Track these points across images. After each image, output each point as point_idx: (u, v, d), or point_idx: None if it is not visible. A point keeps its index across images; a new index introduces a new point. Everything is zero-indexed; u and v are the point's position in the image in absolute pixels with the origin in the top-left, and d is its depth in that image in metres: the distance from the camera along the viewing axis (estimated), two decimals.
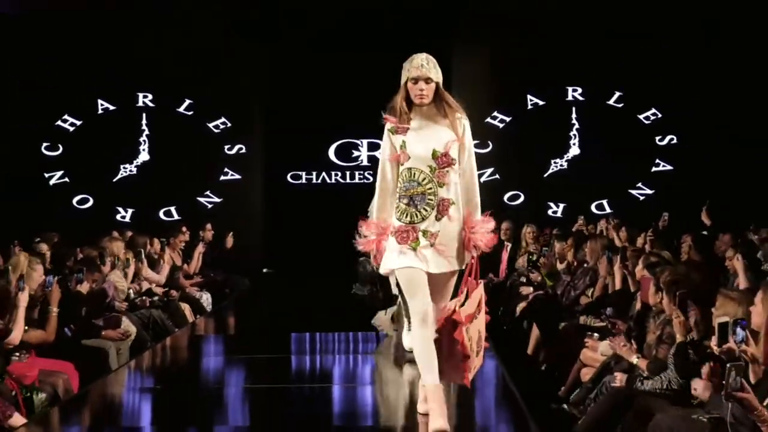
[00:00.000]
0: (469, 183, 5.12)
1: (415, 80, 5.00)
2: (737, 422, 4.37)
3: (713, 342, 4.55)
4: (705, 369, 5.06)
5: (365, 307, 8.36)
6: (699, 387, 5.13)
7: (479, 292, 5.04)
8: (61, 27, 14.04)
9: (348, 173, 14.78)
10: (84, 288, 8.26)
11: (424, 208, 4.98)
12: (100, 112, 14.84)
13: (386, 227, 5.09)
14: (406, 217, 5.00)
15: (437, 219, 4.98)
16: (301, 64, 14.00)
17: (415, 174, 5.00)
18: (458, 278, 5.22)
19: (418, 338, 5.03)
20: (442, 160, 5.00)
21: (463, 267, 5.09)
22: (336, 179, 14.88)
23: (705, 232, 9.73)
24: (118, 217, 14.59)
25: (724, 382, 4.18)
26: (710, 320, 5.13)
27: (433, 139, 5.01)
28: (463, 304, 4.89)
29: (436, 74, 5.03)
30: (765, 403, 4.08)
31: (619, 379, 5.87)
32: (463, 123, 5.08)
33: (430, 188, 4.99)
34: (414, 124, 5.04)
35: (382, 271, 5.30)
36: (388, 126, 5.08)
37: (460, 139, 5.03)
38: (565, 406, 6.62)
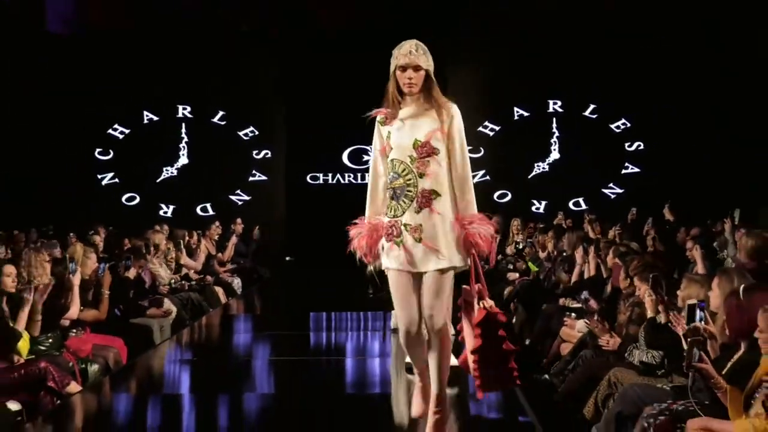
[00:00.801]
0: (461, 176, 4.24)
1: (404, 68, 4.20)
2: (697, 390, 4.35)
3: (682, 322, 4.53)
4: None
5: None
6: None
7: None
8: (110, 46, 14.04)
9: (359, 175, 14.76)
10: (131, 273, 8.27)
11: (404, 201, 4.17)
12: (145, 121, 14.86)
13: (376, 224, 4.28)
14: (391, 211, 4.23)
15: (417, 211, 4.15)
16: (318, 82, 13.98)
17: (396, 165, 4.22)
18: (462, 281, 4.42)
19: (404, 347, 4.38)
20: (422, 150, 4.18)
21: (460, 265, 4.21)
22: (349, 180, 14.89)
23: (667, 226, 9.69)
24: (160, 212, 14.60)
25: (685, 355, 4.17)
26: (675, 300, 5.11)
27: (418, 129, 4.20)
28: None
29: (426, 62, 4.23)
30: (722, 373, 4.06)
31: (611, 344, 5.84)
32: (452, 113, 4.24)
33: (410, 179, 4.17)
34: (402, 114, 4.24)
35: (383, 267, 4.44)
36: (378, 118, 4.33)
37: (444, 129, 4.22)
38: (547, 376, 6.60)
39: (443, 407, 4.26)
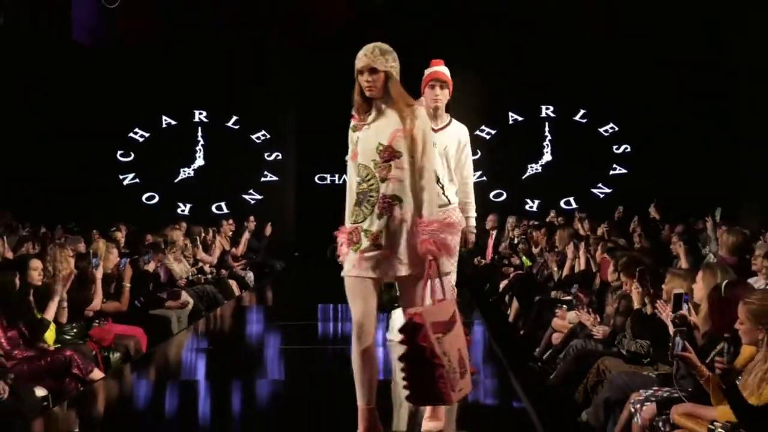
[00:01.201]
0: (421, 181, 3.85)
1: (361, 71, 3.89)
2: (681, 377, 4.33)
3: (668, 310, 4.51)
4: None
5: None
6: None
7: (451, 306, 3.79)
8: (132, 56, 14.05)
9: None
10: (150, 267, 8.27)
11: (366, 206, 3.85)
12: (164, 126, 14.86)
13: (349, 230, 3.92)
14: (353, 217, 3.91)
15: (378, 217, 3.81)
16: (326, 89, 13.96)
17: (361, 170, 3.92)
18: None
19: (353, 353, 4.01)
20: (383, 154, 3.85)
21: (420, 272, 3.83)
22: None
23: (653, 224, 9.66)
24: (178, 210, 14.59)
25: (671, 344, 4.15)
26: (660, 293, 5.10)
27: (381, 133, 3.88)
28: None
29: (384, 63, 3.86)
30: (705, 362, 4.04)
31: (602, 333, 5.82)
32: (414, 114, 3.88)
33: (372, 184, 3.85)
34: (370, 118, 3.95)
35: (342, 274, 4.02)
36: (351, 124, 4.05)
37: (407, 131, 3.85)
38: (539, 364, 6.59)
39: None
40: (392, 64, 3.91)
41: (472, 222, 5.48)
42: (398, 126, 3.86)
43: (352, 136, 4.04)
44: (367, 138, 3.93)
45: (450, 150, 5.33)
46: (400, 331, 3.56)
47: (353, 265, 3.87)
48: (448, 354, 3.54)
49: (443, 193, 5.21)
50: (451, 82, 5.37)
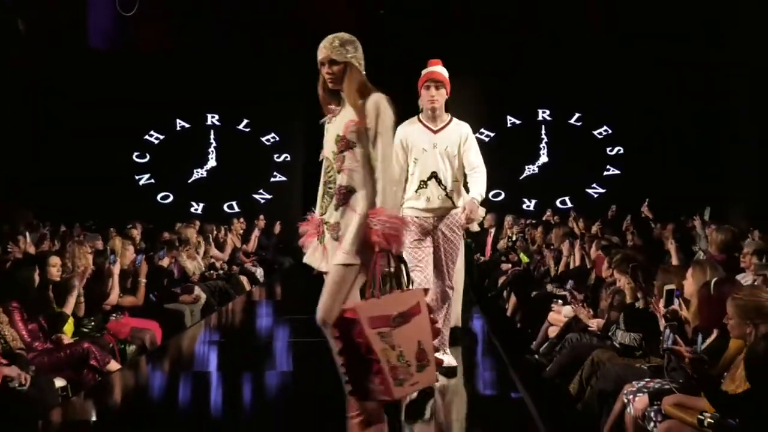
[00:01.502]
0: (374, 172, 3.58)
1: (321, 63, 3.70)
2: (672, 369, 4.33)
3: (660, 304, 4.51)
4: None
5: None
6: None
7: (412, 297, 3.50)
8: (147, 61, 14.05)
9: None
10: (165, 263, 8.27)
11: (326, 198, 3.69)
12: (178, 128, 14.87)
13: (316, 222, 3.75)
14: (320, 209, 3.75)
15: (335, 209, 3.62)
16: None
17: (324, 163, 3.77)
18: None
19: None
20: (339, 145, 3.67)
21: (356, 263, 3.52)
22: None
23: (647, 222, 9.62)
24: (191, 209, 14.60)
25: (662, 338, 4.15)
26: (652, 289, 5.09)
27: (339, 125, 3.70)
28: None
29: (341, 54, 3.65)
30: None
31: (596, 324, 5.81)
32: (368, 103, 3.61)
33: (331, 176, 3.68)
34: (336, 111, 3.78)
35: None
36: (325, 119, 3.87)
37: (359, 122, 3.62)
38: (536, 356, 6.58)
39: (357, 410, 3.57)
40: (353, 54, 3.69)
41: (477, 197, 5.00)
42: (353, 116, 3.65)
43: (324, 129, 3.87)
44: (329, 130, 3.79)
45: (451, 150, 5.14)
46: (334, 326, 3.40)
47: (314, 258, 3.70)
48: (399, 347, 3.33)
49: (446, 195, 5.09)
50: (447, 82, 5.17)
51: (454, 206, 5.13)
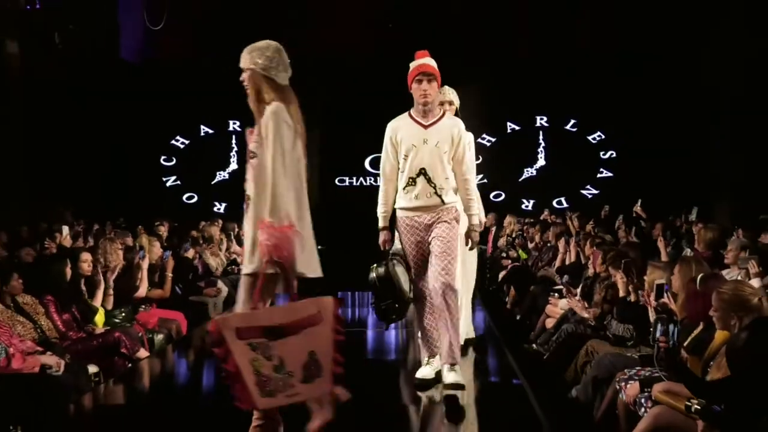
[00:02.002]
0: (262, 179, 3.36)
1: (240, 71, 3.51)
2: (661, 358, 4.29)
3: (651, 298, 4.48)
4: None
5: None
6: None
7: (307, 307, 3.28)
8: (173, 73, 14.07)
9: (379, 178, 14.76)
10: (190, 254, 8.30)
11: (244, 207, 3.48)
12: (202, 134, 14.89)
13: None
14: None
15: (245, 217, 3.46)
16: (345, 101, 13.98)
17: None
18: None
19: None
20: (248, 155, 3.49)
21: (252, 271, 3.35)
22: (370, 182, 14.85)
23: (640, 221, 9.55)
24: (215, 209, 14.62)
25: (652, 329, 4.12)
26: (643, 283, 5.07)
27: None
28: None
29: (247, 61, 3.45)
30: (683, 345, 4.01)
31: (592, 314, 5.78)
32: (265, 114, 3.43)
33: (246, 186, 3.50)
34: None
35: None
36: None
37: (258, 131, 3.44)
38: (534, 346, 6.56)
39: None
40: (256, 60, 3.44)
41: (475, 220, 4.71)
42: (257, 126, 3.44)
43: None
44: None
45: (443, 146, 4.58)
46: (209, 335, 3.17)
47: None
48: (279, 358, 3.10)
49: (435, 192, 4.56)
50: (438, 74, 4.63)
51: (444, 204, 4.59)
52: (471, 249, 4.86)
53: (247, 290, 3.36)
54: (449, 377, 4.47)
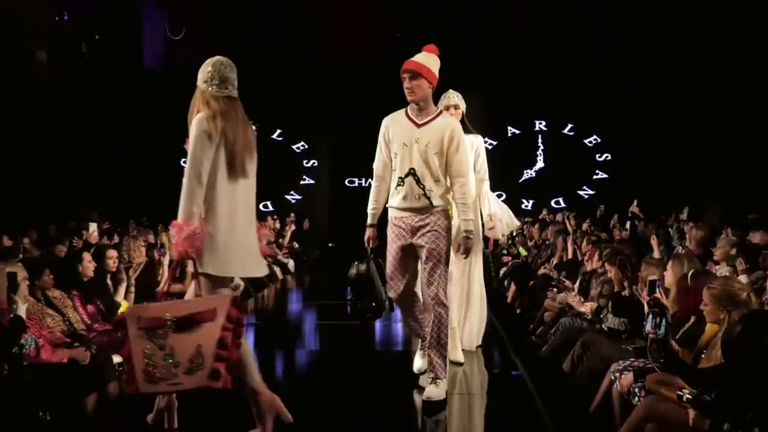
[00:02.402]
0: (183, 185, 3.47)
1: None
2: (654, 350, 4.27)
3: (644, 293, 4.46)
4: None
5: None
6: None
7: (209, 303, 3.27)
8: (193, 80, 14.06)
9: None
10: None
11: None
12: None
13: None
14: None
15: None
16: (354, 107, 13.98)
17: None
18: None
19: None
20: None
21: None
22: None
23: (636, 220, 9.50)
24: None
25: (645, 323, 4.10)
26: (637, 279, 5.05)
27: None
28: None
29: (198, 79, 3.62)
30: (675, 338, 3.99)
31: (589, 308, 5.75)
32: (192, 122, 3.55)
33: None
34: None
35: None
36: None
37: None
38: (533, 338, 6.54)
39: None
40: (198, 76, 3.61)
41: (469, 226, 4.29)
42: None
43: None
44: None
45: (432, 147, 4.19)
46: None
47: None
48: (170, 348, 3.16)
49: (424, 194, 4.23)
50: (427, 70, 4.22)
51: (432, 207, 4.24)
52: (460, 254, 4.43)
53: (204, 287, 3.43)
54: (428, 391, 4.27)
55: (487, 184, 5.36)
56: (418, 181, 4.21)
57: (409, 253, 4.34)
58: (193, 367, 3.15)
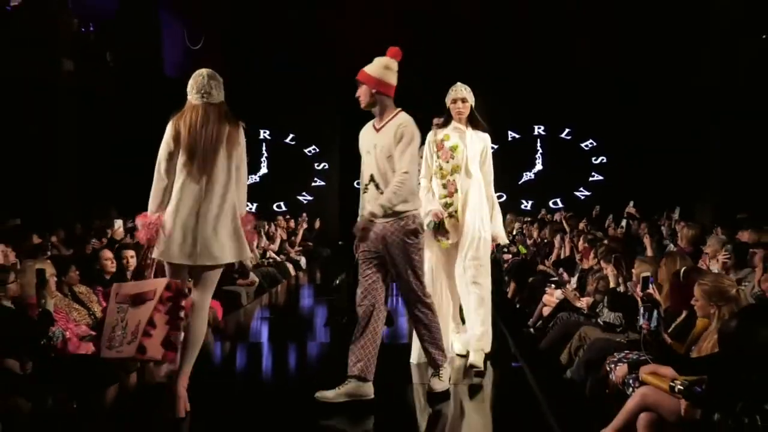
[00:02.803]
0: None
1: None
2: (646, 343, 4.26)
3: (638, 289, 4.44)
4: None
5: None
6: None
7: (153, 284, 3.56)
8: None
9: None
10: None
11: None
12: None
13: None
14: None
15: None
16: (363, 113, 13.98)
17: None
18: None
19: None
20: None
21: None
22: None
23: (632, 220, 9.46)
24: (246, 208, 14.67)
25: (638, 317, 4.09)
26: (631, 275, 5.03)
27: None
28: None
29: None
30: (668, 332, 3.97)
31: (585, 302, 5.73)
32: None
33: None
34: None
35: None
36: None
37: None
38: (532, 330, 6.53)
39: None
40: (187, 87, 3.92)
41: (374, 209, 3.89)
42: None
43: None
44: None
45: (386, 151, 3.92)
46: None
47: None
48: (125, 321, 3.50)
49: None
50: (366, 76, 4.05)
51: (395, 213, 3.91)
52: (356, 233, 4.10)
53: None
54: (432, 383, 4.17)
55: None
56: (377, 187, 3.98)
57: (376, 260, 4.09)
58: (132, 339, 3.43)
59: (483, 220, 4.78)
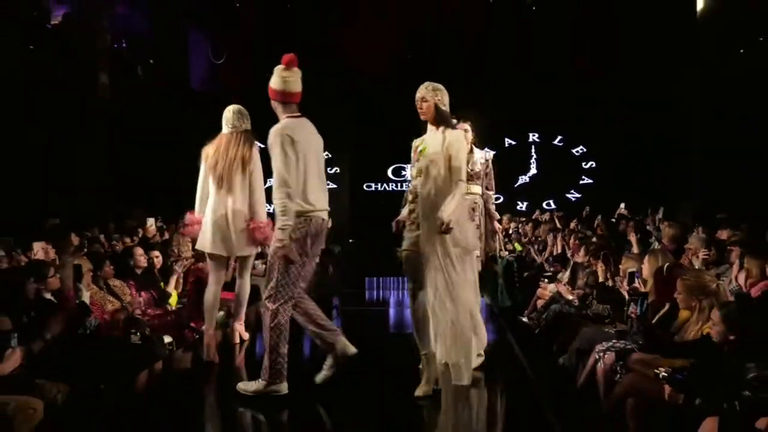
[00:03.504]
0: None
1: None
2: (634, 333, 4.25)
3: (624, 283, 4.43)
4: None
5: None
6: None
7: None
8: (232, 99, 14.11)
9: (399, 184, 14.76)
10: None
11: None
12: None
13: None
14: None
15: None
16: (373, 120, 13.99)
17: None
18: None
19: None
20: None
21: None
22: (392, 188, 14.88)
23: (622, 219, 9.40)
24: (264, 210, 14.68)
25: (625, 309, 4.07)
26: (618, 271, 5.01)
27: None
28: None
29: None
30: (652, 322, 3.96)
31: (575, 295, 5.70)
32: None
33: None
34: None
35: None
36: None
37: None
38: (526, 319, 6.51)
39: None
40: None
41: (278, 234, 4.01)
42: None
43: None
44: None
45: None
46: None
47: None
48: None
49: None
50: (272, 91, 4.15)
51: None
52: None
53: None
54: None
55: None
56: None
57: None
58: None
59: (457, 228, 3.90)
